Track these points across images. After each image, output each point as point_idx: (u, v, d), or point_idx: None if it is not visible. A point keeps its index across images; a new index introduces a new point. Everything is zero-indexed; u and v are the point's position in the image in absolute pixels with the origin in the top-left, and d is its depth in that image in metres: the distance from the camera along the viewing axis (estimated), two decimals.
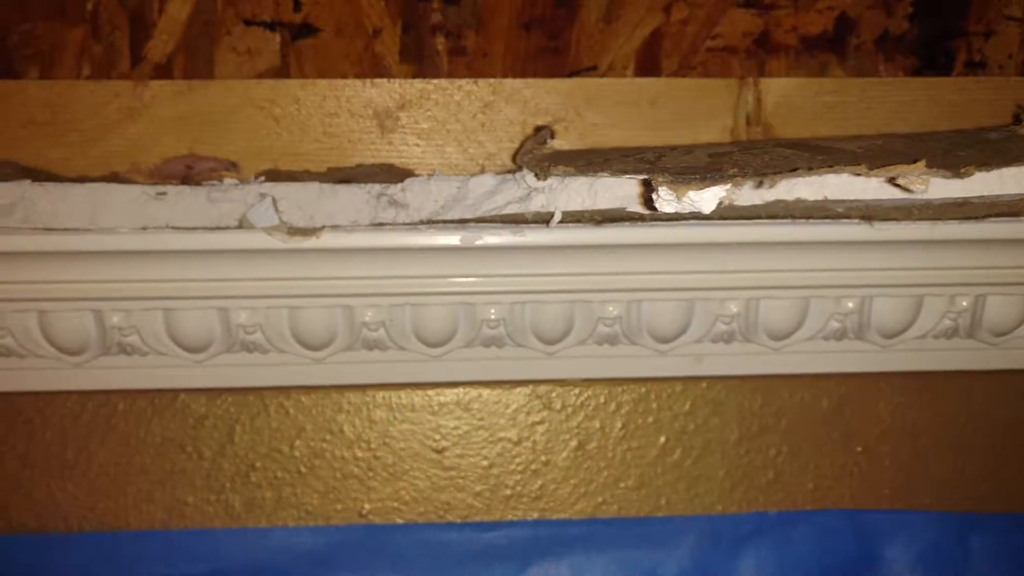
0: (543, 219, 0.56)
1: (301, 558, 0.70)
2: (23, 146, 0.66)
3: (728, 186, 0.46)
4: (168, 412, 0.70)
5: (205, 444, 0.71)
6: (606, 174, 0.53)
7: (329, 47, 0.73)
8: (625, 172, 0.53)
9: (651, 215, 0.55)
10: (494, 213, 0.56)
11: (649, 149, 0.62)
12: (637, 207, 0.56)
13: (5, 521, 0.70)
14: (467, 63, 0.74)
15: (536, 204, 0.55)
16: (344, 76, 0.73)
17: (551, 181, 0.55)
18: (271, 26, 0.73)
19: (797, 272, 0.64)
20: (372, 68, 0.74)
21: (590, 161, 0.55)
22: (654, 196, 0.47)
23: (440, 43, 0.74)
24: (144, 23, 0.73)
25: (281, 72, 0.72)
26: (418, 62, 0.74)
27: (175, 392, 0.70)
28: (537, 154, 0.56)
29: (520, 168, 0.57)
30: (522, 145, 0.65)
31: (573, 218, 0.57)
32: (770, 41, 0.71)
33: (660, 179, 0.46)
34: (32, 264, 0.61)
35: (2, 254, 0.60)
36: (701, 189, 0.46)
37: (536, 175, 0.53)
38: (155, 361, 0.68)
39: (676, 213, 0.48)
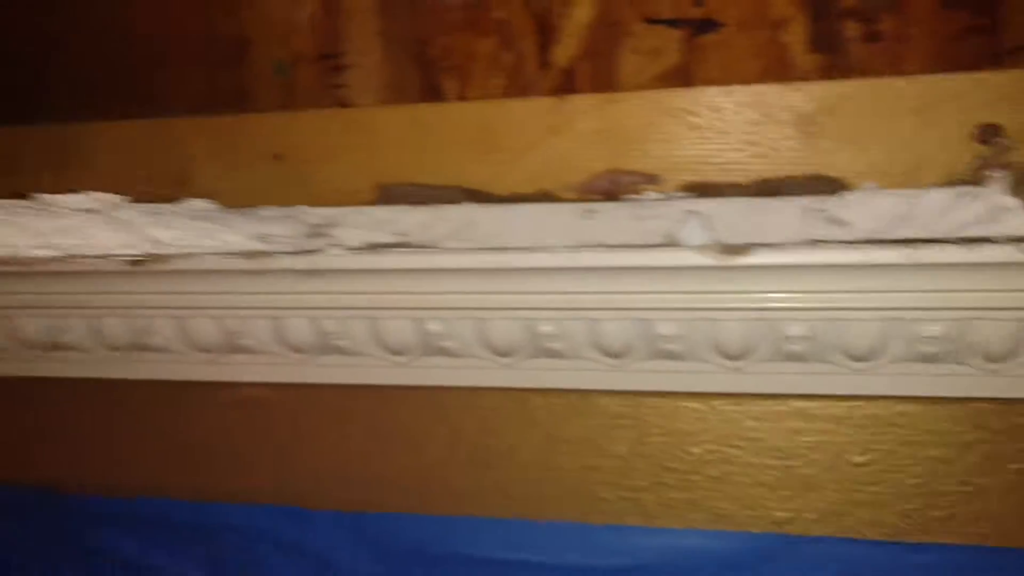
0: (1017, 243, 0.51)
1: (713, 562, 0.71)
2: (459, 165, 0.71)
3: None
4: (585, 411, 0.73)
5: (620, 443, 0.73)
6: None
7: (731, 41, 0.71)
8: None
9: None
10: (950, 235, 0.52)
11: None
12: None
13: (429, 504, 0.77)
14: (882, 50, 0.69)
15: (1009, 226, 0.50)
16: (747, 70, 0.71)
17: None
18: (673, 23, 0.72)
19: None
20: (777, 60, 0.71)
21: None
22: None
23: (852, 29, 0.70)
24: (550, 29, 0.75)
25: (682, 70, 0.71)
26: (828, 51, 0.70)
27: (592, 393, 0.73)
28: (1003, 166, 0.50)
29: (981, 182, 0.51)
30: (980, 155, 0.59)
31: None
32: None
33: None
34: (475, 279, 0.66)
35: (452, 270, 0.65)
36: None
37: (1010, 192, 0.48)
38: (577, 365, 0.71)
39: None
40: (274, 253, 0.55)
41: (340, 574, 0.75)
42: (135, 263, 0.47)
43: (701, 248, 0.58)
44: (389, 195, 0.71)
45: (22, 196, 0.50)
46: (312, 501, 0.79)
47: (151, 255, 0.47)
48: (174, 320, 0.73)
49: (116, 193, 0.77)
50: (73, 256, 0.45)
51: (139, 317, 0.72)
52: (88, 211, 0.49)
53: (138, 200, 0.76)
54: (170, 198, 0.76)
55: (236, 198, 0.75)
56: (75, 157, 0.78)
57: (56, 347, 0.79)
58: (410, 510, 0.76)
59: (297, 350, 0.74)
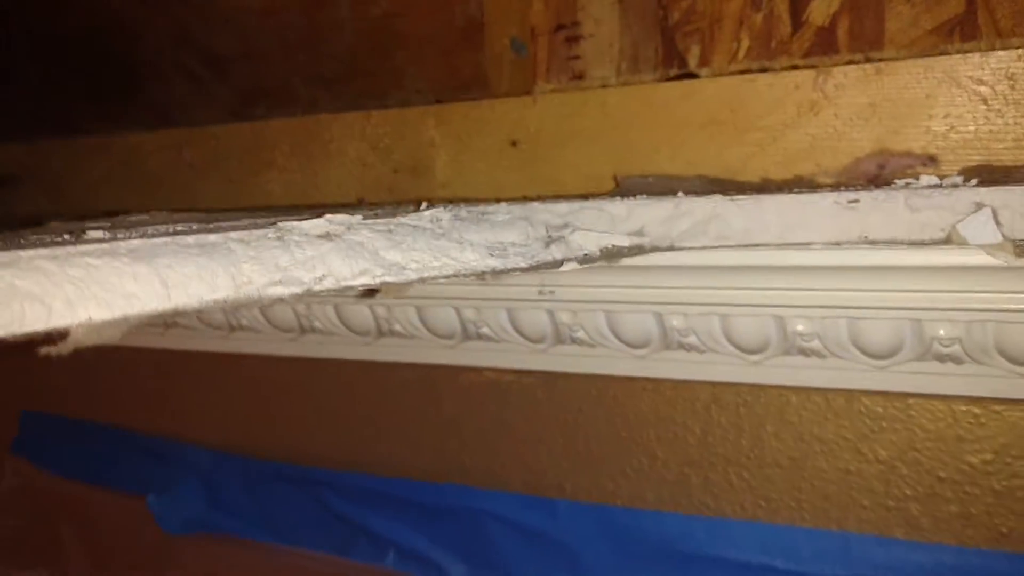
0: None
1: None
2: (702, 148, 0.66)
3: None
4: (844, 412, 0.67)
5: (882, 447, 0.67)
6: None
7: None
8: None
9: None
10: None
11: None
12: None
13: (676, 501, 0.74)
14: None
15: None
16: None
17: None
18: None
19: None
20: None
21: None
22: None
23: None
24: None
25: (966, 22, 0.61)
26: None
27: (853, 393, 0.67)
28: None
29: None
30: None
31: None
32: None
33: None
34: (722, 275, 0.61)
35: (695, 268, 0.61)
36: None
37: None
38: (833, 364, 0.65)
39: None
40: (511, 270, 0.53)
41: (585, 566, 0.75)
42: (369, 294, 0.47)
43: (991, 248, 0.51)
44: (626, 185, 0.67)
45: (270, 224, 0.50)
46: (558, 490, 0.78)
47: (386, 284, 0.47)
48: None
49: (357, 186, 0.79)
50: (312, 291, 0.45)
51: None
52: (326, 236, 0.49)
53: (373, 202, 0.77)
54: (408, 192, 0.77)
55: (474, 188, 0.74)
56: (319, 147, 0.80)
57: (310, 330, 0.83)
58: (657, 506, 0.74)
59: (536, 340, 0.73)
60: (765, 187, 0.62)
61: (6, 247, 0.42)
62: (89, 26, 0.97)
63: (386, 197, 0.78)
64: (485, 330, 0.74)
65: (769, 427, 0.70)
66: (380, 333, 0.79)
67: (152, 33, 0.93)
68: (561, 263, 0.55)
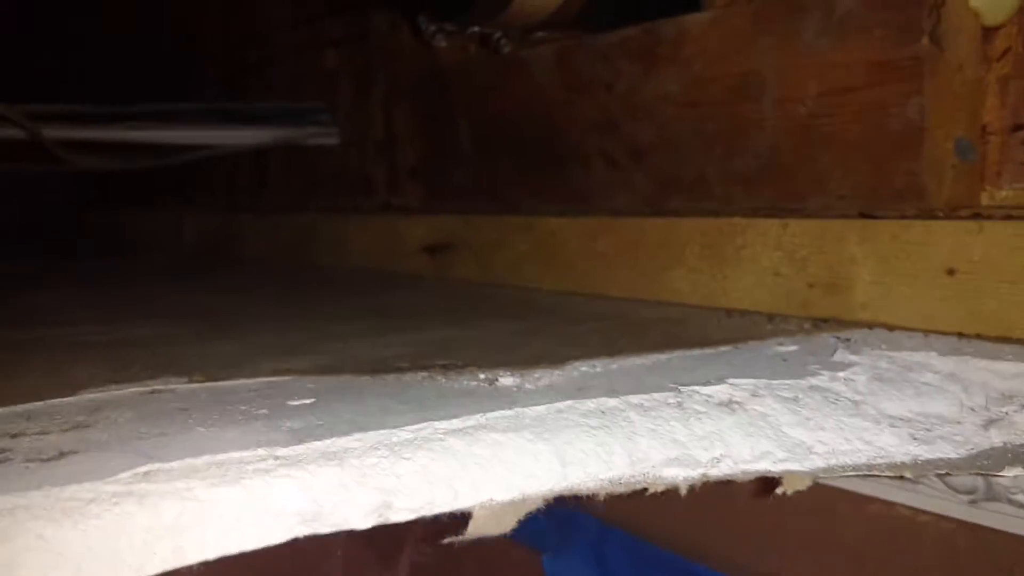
0: None
1: None
2: None
3: None
4: None
5: None
6: None
7: None
8: None
9: None
10: None
11: None
12: None
13: None
14: None
15: None
16: None
17: None
18: None
19: None
20: None
21: None
22: None
23: None
24: None
25: None
26: None
27: None
28: None
29: None
30: None
31: None
32: None
33: None
34: None
35: None
36: None
37: None
38: None
39: None
40: (936, 462, 0.46)
41: None
42: (770, 484, 0.43)
43: None
44: None
45: (667, 387, 0.49)
46: None
47: (787, 473, 0.43)
48: None
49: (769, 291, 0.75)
50: (707, 476, 0.43)
51: None
52: (727, 405, 0.46)
53: (785, 315, 0.72)
54: (823, 309, 0.71)
55: (899, 315, 0.67)
56: (730, 250, 0.77)
57: None
58: None
59: (964, 492, 0.65)
60: None
61: (412, 409, 0.45)
62: (521, 110, 1.03)
63: (799, 312, 0.73)
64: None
65: None
66: None
67: (578, 118, 0.97)
68: (1004, 462, 0.46)
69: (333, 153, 1.53)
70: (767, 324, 0.72)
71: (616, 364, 0.56)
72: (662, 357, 0.57)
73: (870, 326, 0.67)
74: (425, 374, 0.54)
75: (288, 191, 1.68)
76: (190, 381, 0.54)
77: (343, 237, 1.28)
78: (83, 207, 2.25)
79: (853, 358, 0.56)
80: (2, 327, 0.77)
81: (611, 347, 0.63)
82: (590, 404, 0.47)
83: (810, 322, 0.71)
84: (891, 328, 0.66)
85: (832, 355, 0.58)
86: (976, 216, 0.65)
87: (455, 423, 0.44)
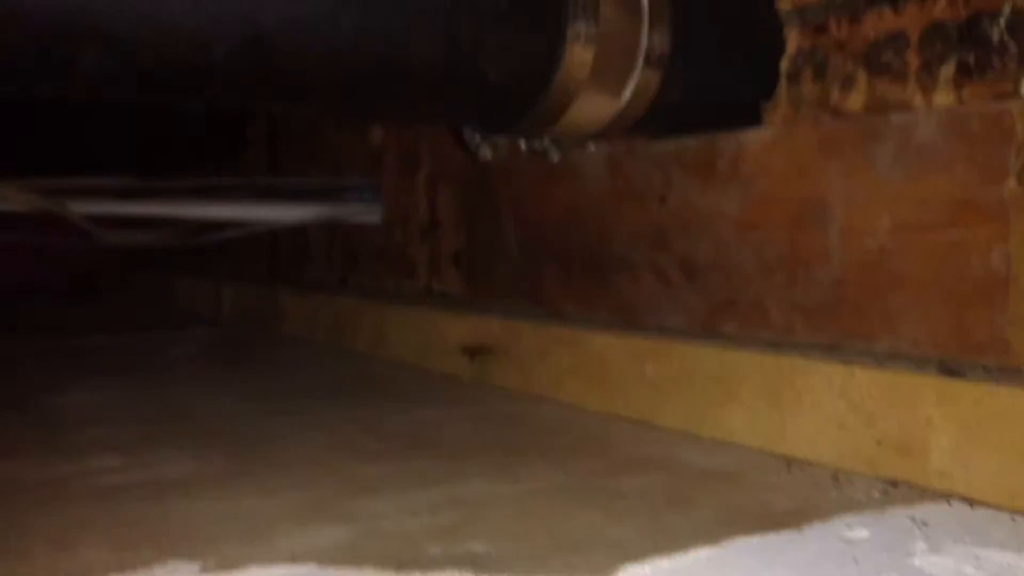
0: None
1: None
2: None
3: None
4: None
5: None
6: None
7: None
8: None
9: None
10: None
11: None
12: None
13: None
14: None
15: None
16: None
17: None
18: None
19: None
20: None
21: None
22: None
23: None
24: None
25: None
26: None
27: None
28: None
29: None
30: None
31: None
32: None
33: None
34: None
35: None
36: None
37: None
38: None
39: None
40: None
41: None
42: None
43: None
44: None
45: None
46: None
47: None
48: None
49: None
50: None
51: None
52: None
53: (849, 471, 0.66)
54: (893, 470, 0.65)
55: (980, 488, 0.60)
56: (790, 394, 0.71)
57: None
58: None
59: None
60: None
61: None
62: (567, 213, 0.99)
63: (866, 470, 0.66)
64: None
65: None
66: None
67: (627, 227, 0.92)
68: None
69: (376, 230, 1.50)
70: (832, 485, 0.65)
71: (667, 563, 0.50)
72: (715, 553, 0.52)
73: (948, 498, 0.61)
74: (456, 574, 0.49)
75: (329, 264, 1.65)
76: (201, 570, 0.50)
77: (383, 326, 1.25)
78: (128, 267, 2.25)
79: (935, 560, 0.50)
80: (20, 455, 0.74)
81: (659, 521, 0.58)
82: None
83: (880, 486, 0.64)
84: (972, 503, 0.60)
85: (910, 554, 0.51)
86: None
87: None
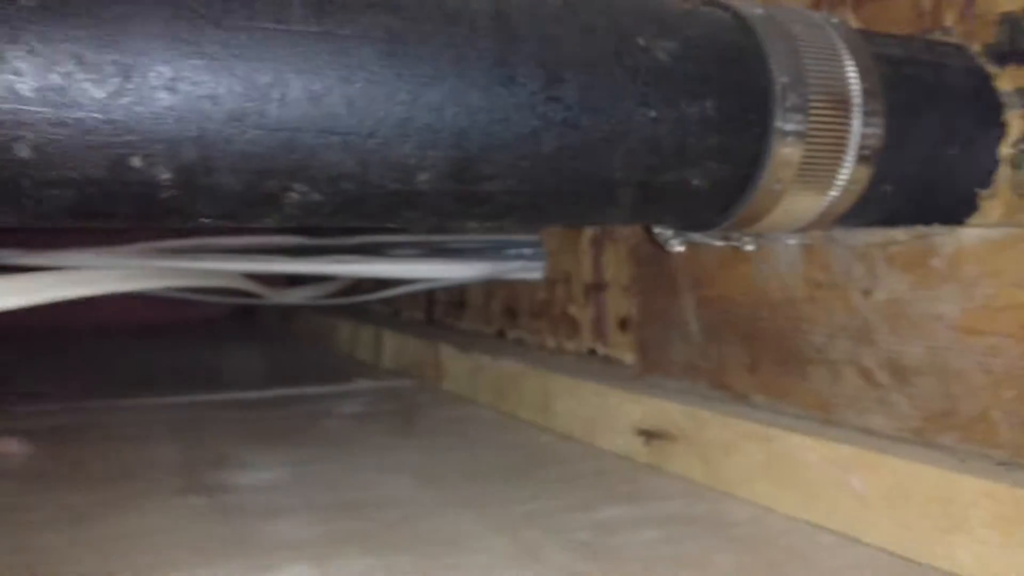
0: None
1: None
2: None
3: None
4: None
5: None
6: None
7: None
8: None
9: None
10: None
11: None
12: None
13: None
14: None
15: None
16: None
17: None
18: None
19: None
20: None
21: None
22: None
23: None
24: None
25: None
26: None
27: None
28: None
29: None
30: None
31: None
32: None
33: None
34: None
35: None
36: None
37: None
38: None
39: None
40: None
41: None
42: None
43: None
44: None
45: None
46: None
47: None
48: None
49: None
50: None
51: None
52: None
53: None
54: None
55: None
56: (1021, 528, 0.65)
57: None
58: None
59: None
60: None
61: None
62: (755, 297, 0.93)
63: None
64: None
65: None
66: None
67: (824, 319, 0.86)
68: None
69: (535, 285, 1.48)
70: None
71: None
72: None
73: None
74: None
75: (487, 316, 1.65)
76: None
77: (548, 396, 1.22)
78: (287, 308, 2.31)
79: None
80: (213, 564, 0.75)
81: None
82: None
83: None
84: None
85: None
86: None
87: None
